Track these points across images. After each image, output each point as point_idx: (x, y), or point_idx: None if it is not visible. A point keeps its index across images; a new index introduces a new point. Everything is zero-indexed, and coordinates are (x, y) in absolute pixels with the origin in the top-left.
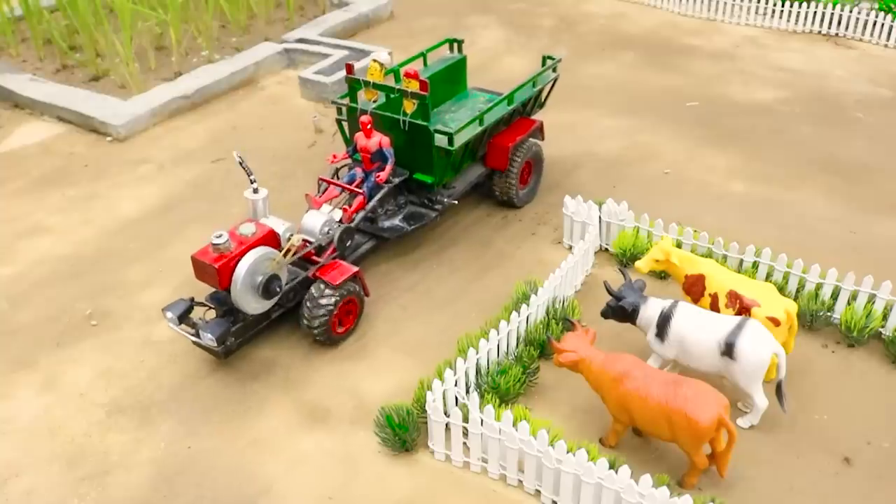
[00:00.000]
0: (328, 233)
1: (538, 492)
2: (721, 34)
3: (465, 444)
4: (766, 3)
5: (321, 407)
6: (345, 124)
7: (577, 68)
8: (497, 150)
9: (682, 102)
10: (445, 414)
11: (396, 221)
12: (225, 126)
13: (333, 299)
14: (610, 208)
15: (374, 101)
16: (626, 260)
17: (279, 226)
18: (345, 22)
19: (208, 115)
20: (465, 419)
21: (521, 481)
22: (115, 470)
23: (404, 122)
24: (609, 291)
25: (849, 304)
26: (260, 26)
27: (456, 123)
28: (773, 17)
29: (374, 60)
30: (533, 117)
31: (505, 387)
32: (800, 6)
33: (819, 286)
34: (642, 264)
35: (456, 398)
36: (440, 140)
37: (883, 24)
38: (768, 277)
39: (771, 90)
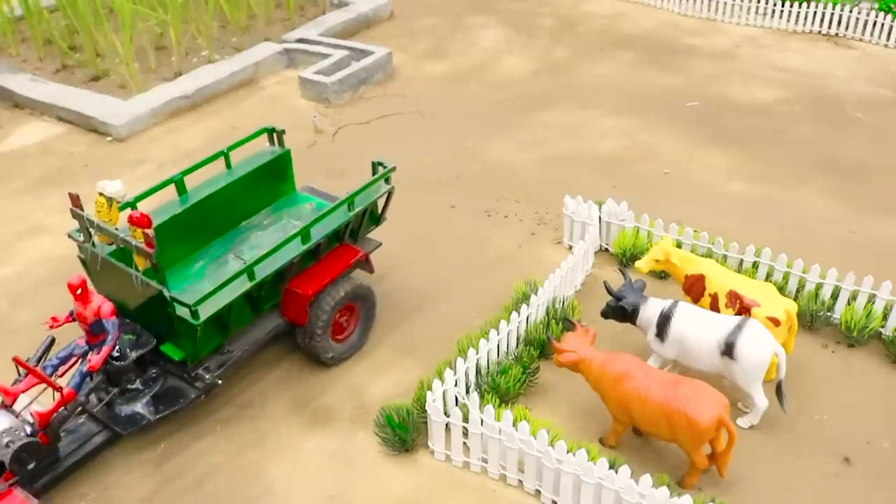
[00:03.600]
0: (7, 446)
1: (538, 492)
2: (721, 34)
3: (465, 444)
4: (766, 3)
5: (321, 407)
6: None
7: (577, 68)
8: (293, 299)
9: (682, 102)
10: (445, 414)
11: (139, 407)
12: (225, 126)
13: None
14: (610, 208)
15: (112, 245)
16: (626, 260)
17: None
18: (345, 22)
19: (208, 115)
20: (465, 419)
21: (521, 481)
22: (116, 470)
23: (137, 278)
24: (609, 291)
25: (849, 304)
26: (260, 26)
27: (252, 252)
28: (773, 17)
29: (100, 193)
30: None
31: (505, 387)
32: (800, 6)
33: (819, 286)
34: (642, 264)
35: (456, 398)
36: (182, 310)
37: (883, 24)
38: (768, 277)
39: (771, 90)
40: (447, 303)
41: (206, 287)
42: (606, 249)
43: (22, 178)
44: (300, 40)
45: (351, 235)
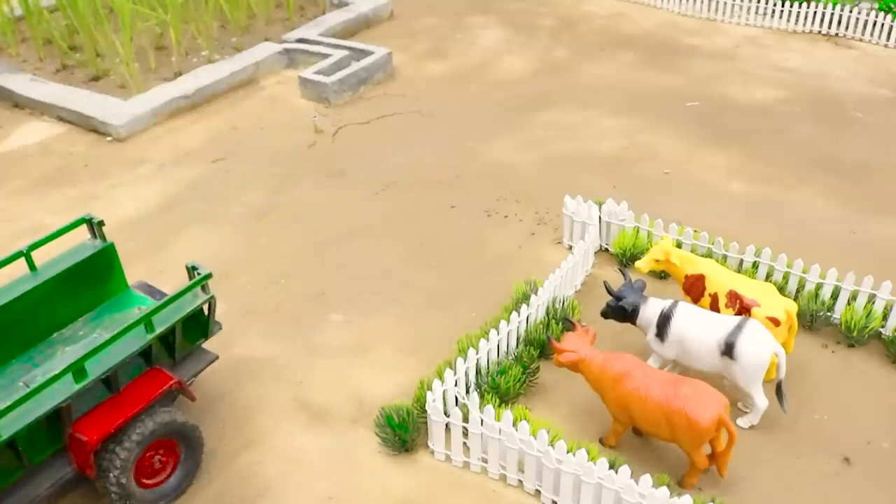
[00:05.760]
0: None
1: (538, 492)
2: (721, 34)
3: (465, 444)
4: (766, 3)
5: (321, 407)
6: None
7: (577, 68)
8: (75, 446)
9: (682, 102)
10: (445, 414)
11: None
12: (225, 126)
13: None
14: (610, 208)
15: None
16: (626, 260)
17: None
18: (345, 22)
19: (208, 115)
20: (465, 419)
21: (521, 481)
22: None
23: None
24: (609, 291)
25: (849, 304)
26: (260, 26)
27: (41, 378)
28: (773, 17)
29: None
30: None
31: (505, 387)
32: (800, 6)
33: (819, 286)
34: (642, 264)
35: (456, 398)
36: None
37: (883, 24)
38: (768, 277)
39: (771, 90)
40: (447, 302)
41: None
42: (606, 249)
43: (22, 178)
44: (300, 40)
45: (168, 354)
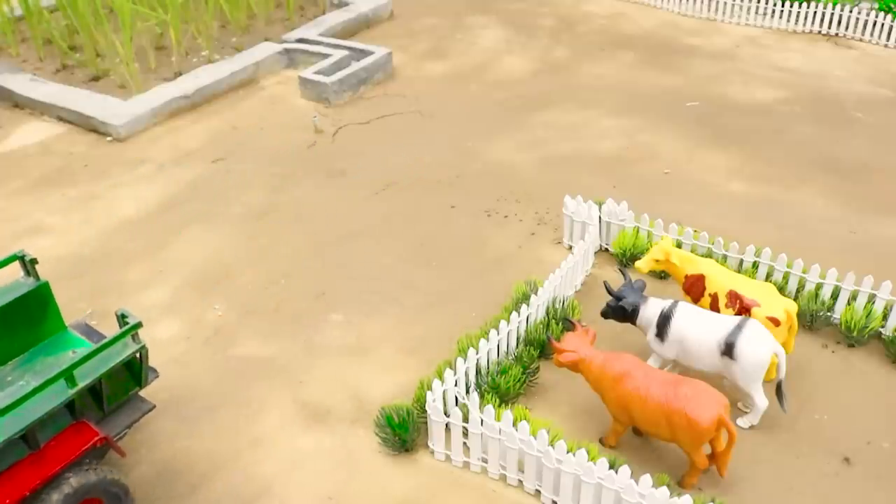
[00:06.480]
0: None
1: (538, 492)
2: (721, 34)
3: (465, 444)
4: (766, 3)
5: (321, 407)
6: None
7: (577, 68)
8: None
9: (682, 102)
10: (445, 414)
11: None
12: (225, 126)
13: None
14: (610, 208)
15: None
16: (626, 260)
17: None
18: (345, 22)
19: (208, 115)
20: (465, 419)
21: (521, 481)
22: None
23: None
24: (609, 291)
25: (849, 304)
26: (260, 26)
27: None
28: (773, 17)
29: None
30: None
31: (505, 387)
32: (800, 6)
33: (819, 286)
34: (642, 264)
35: (456, 398)
36: None
37: (883, 24)
38: (768, 277)
39: (771, 90)
40: (447, 302)
41: None
42: (606, 249)
43: (22, 178)
44: (300, 40)
45: (97, 406)
